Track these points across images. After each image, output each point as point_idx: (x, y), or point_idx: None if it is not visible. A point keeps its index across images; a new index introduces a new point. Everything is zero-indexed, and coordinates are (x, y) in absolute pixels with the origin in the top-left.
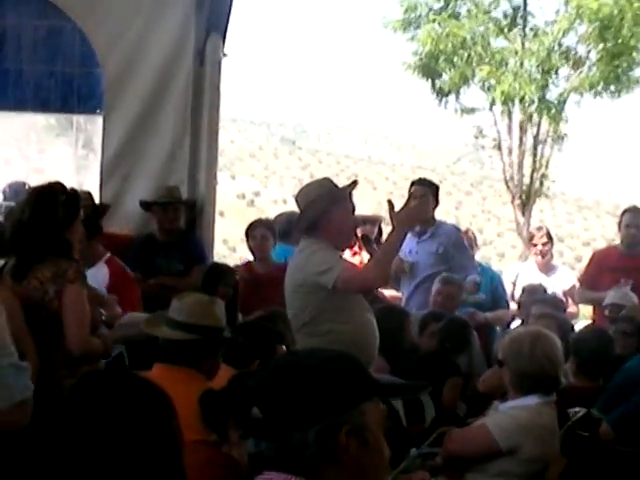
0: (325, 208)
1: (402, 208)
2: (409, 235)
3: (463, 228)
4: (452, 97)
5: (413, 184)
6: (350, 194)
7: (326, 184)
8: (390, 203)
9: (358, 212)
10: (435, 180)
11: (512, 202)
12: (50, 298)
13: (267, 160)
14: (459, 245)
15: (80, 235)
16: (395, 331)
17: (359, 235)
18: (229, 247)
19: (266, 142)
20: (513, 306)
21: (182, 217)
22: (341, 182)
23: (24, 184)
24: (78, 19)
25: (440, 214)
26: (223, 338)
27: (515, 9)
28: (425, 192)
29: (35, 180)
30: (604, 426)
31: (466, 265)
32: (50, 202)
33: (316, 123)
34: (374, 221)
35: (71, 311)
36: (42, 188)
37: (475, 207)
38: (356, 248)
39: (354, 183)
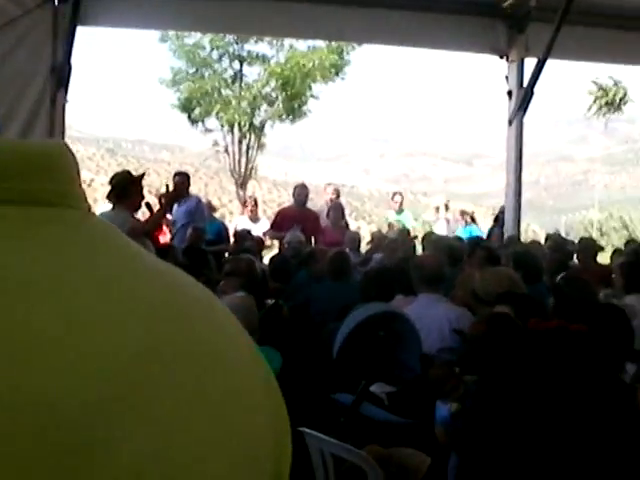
0: (124, 187)
1: (167, 193)
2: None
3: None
4: (200, 123)
5: (175, 175)
6: (140, 180)
7: (125, 173)
8: (167, 187)
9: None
10: (193, 170)
11: (235, 183)
12: None
13: (98, 161)
14: (198, 209)
15: None
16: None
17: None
18: None
19: (97, 151)
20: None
21: None
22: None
23: None
24: None
25: (197, 189)
26: None
27: (236, 72)
28: (183, 179)
29: None
30: (284, 309)
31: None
32: None
33: (126, 138)
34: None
35: None
36: None
37: (216, 186)
38: None
39: (143, 174)
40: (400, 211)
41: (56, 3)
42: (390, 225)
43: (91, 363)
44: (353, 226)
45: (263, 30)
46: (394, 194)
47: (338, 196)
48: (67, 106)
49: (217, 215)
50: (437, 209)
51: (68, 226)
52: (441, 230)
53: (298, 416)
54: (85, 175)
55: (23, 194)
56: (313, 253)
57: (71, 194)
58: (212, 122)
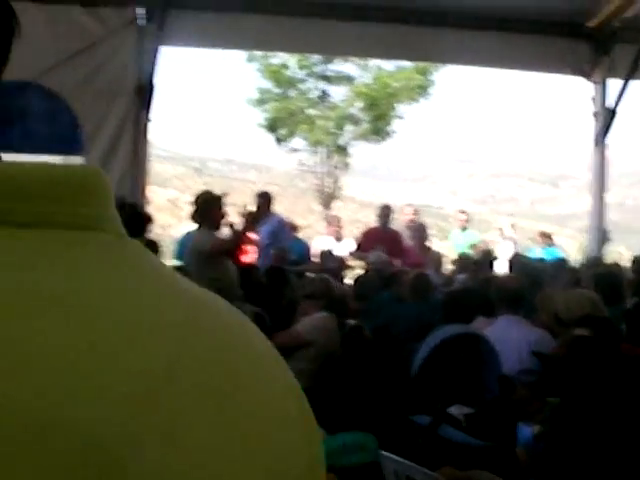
0: (207, 207)
1: (248, 213)
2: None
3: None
4: (286, 143)
5: (257, 195)
6: (220, 200)
7: (207, 193)
8: (245, 207)
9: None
10: (280, 190)
11: (321, 203)
12: None
13: (185, 180)
14: (280, 228)
15: None
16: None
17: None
18: (164, 227)
19: (185, 170)
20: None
21: (128, 212)
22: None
23: None
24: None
25: (284, 209)
26: None
27: (322, 92)
28: (264, 199)
29: None
30: (365, 330)
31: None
32: None
33: (214, 157)
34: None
35: None
36: None
37: (303, 205)
38: None
39: (225, 194)
40: (464, 229)
41: (141, 23)
42: (474, 246)
43: (107, 381)
44: (440, 246)
45: (349, 50)
46: (459, 212)
47: (417, 216)
48: (154, 125)
49: (303, 235)
50: (501, 230)
51: (96, 249)
52: (507, 251)
53: (377, 437)
54: (171, 194)
55: (45, 216)
56: (396, 274)
57: (102, 218)
58: (298, 142)
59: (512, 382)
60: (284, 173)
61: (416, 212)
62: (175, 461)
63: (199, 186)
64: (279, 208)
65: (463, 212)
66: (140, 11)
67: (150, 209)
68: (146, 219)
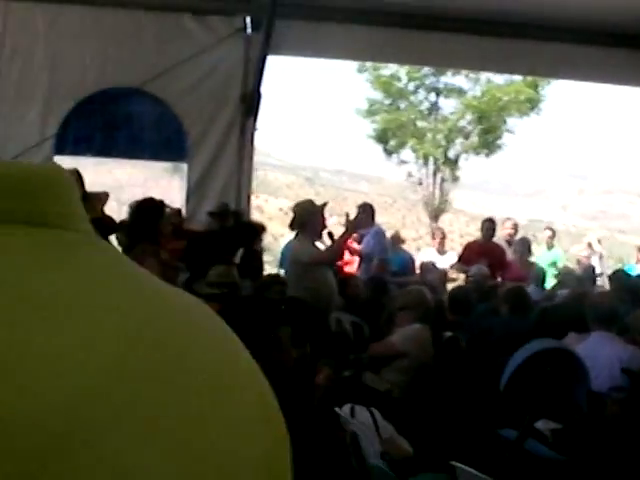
0: (306, 216)
1: (349, 221)
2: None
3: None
4: (395, 155)
5: (358, 206)
6: (322, 210)
7: (307, 202)
8: (347, 216)
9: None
10: (391, 201)
11: (429, 215)
12: None
13: (297, 189)
14: (380, 240)
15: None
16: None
17: (328, 231)
18: (275, 237)
19: (296, 179)
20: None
21: (230, 219)
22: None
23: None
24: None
25: (394, 221)
26: None
27: (432, 104)
28: (365, 210)
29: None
30: (462, 342)
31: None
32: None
33: (324, 168)
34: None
35: None
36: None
37: (413, 217)
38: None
39: (325, 204)
40: (551, 247)
41: (248, 32)
42: (578, 261)
43: (61, 374)
44: None
45: (458, 63)
46: (545, 228)
47: (516, 231)
48: (265, 134)
49: (413, 246)
50: (589, 245)
51: (67, 247)
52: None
53: (462, 449)
54: (282, 203)
55: (7, 213)
56: (493, 287)
57: (71, 216)
58: (407, 154)
59: (601, 399)
60: (395, 184)
61: (515, 226)
62: (143, 452)
63: (311, 196)
64: (390, 219)
65: (550, 229)
66: (248, 20)
67: (261, 218)
68: (260, 229)
